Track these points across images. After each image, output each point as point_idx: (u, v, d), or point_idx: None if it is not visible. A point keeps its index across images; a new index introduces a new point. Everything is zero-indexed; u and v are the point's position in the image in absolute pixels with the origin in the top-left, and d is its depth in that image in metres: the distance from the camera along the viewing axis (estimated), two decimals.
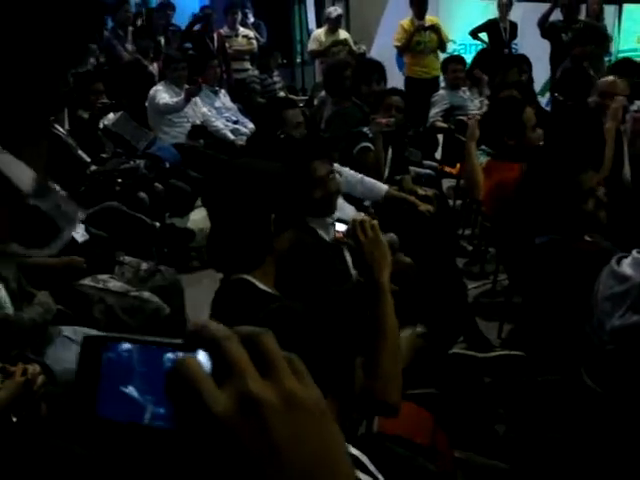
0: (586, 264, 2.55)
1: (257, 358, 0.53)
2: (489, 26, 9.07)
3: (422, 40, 8.09)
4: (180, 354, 0.55)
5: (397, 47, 8.34)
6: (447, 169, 6.24)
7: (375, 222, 2.17)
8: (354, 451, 1.53)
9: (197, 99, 6.82)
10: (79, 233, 3.99)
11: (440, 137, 6.83)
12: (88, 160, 5.08)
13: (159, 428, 0.55)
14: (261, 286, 2.03)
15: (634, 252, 2.15)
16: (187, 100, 6.46)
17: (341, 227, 2.72)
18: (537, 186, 2.97)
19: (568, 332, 2.51)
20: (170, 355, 0.56)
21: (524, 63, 6.68)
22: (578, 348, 2.36)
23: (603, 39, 8.20)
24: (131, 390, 0.56)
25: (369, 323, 1.96)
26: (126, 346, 0.58)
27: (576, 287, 2.51)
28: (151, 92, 6.67)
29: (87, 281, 3.54)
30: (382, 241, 2.11)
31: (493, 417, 3.04)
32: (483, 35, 9.14)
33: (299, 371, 0.54)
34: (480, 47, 8.93)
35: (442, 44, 8.19)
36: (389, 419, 2.04)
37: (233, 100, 7.78)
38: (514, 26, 9.09)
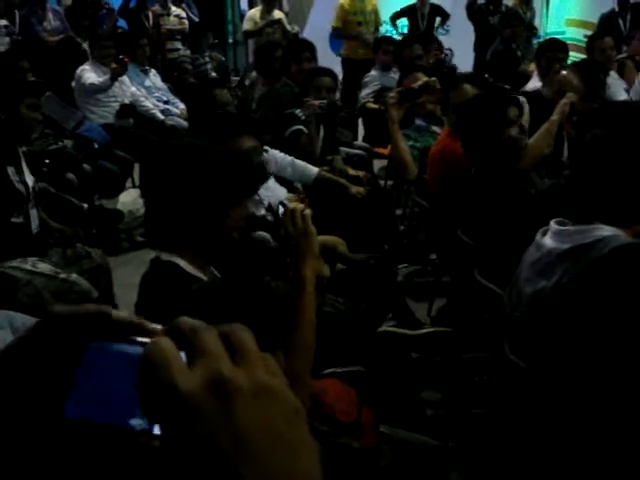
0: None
1: (232, 349, 0.52)
2: (407, 11, 9.12)
3: (363, 21, 8.11)
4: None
5: (335, 28, 8.33)
6: (378, 150, 6.27)
7: (308, 212, 2.10)
8: None
9: (125, 78, 6.71)
10: (36, 223, 3.94)
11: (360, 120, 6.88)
12: None
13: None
14: (188, 269, 1.99)
15: (552, 223, 2.20)
16: (113, 79, 6.35)
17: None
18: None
19: (494, 306, 2.57)
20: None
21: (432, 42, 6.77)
22: (502, 322, 2.41)
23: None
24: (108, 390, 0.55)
25: (286, 313, 1.95)
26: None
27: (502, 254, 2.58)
28: (77, 71, 6.53)
29: (15, 263, 3.47)
30: (311, 232, 2.05)
31: (420, 395, 3.09)
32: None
33: (274, 370, 0.53)
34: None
35: (377, 26, 8.24)
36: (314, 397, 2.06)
37: (164, 80, 7.69)
38: (438, 10, 9.12)
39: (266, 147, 3.57)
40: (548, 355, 2.10)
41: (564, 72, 4.55)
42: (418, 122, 4.89)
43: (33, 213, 3.94)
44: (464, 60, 8.70)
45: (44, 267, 3.51)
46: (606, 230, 2.09)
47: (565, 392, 2.07)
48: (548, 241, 2.20)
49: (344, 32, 8.27)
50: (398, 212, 5.70)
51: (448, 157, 3.72)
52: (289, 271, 2.03)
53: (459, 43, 9.12)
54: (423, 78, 4.81)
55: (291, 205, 2.18)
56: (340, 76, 7.05)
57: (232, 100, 4.01)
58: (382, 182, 5.86)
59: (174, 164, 2.03)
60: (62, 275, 3.49)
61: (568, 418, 2.10)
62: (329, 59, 8.14)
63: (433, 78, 4.58)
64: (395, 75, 6.79)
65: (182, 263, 2.01)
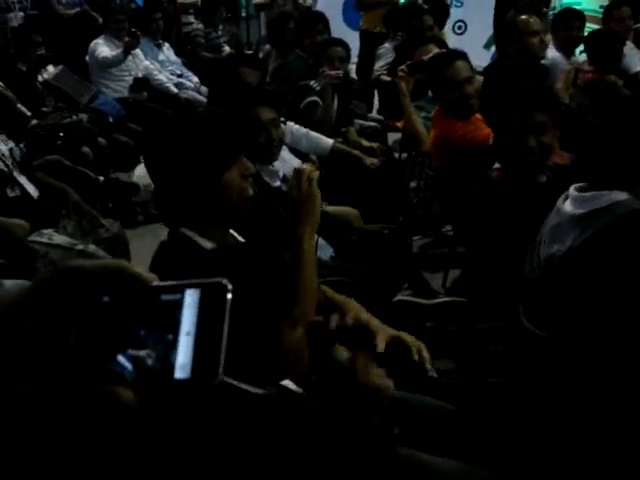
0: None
1: None
2: None
3: None
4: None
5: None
6: (392, 123, 6.24)
7: (315, 174, 2.10)
8: (297, 389, 1.57)
9: (139, 52, 6.70)
10: (32, 188, 3.93)
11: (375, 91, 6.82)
12: (28, 114, 4.98)
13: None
14: (200, 241, 1.99)
15: (571, 188, 2.22)
16: (126, 53, 6.35)
17: None
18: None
19: (509, 273, 2.57)
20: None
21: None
22: (517, 289, 2.42)
23: None
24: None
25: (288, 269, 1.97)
26: None
27: (514, 223, 2.58)
28: (91, 45, 6.54)
29: (32, 237, 3.50)
30: (315, 196, 2.05)
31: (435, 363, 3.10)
32: None
33: None
34: None
35: None
36: None
37: (178, 54, 7.67)
38: None
39: (282, 119, 3.58)
40: (559, 319, 2.12)
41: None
42: (431, 93, 4.88)
43: (23, 179, 3.91)
44: (479, 34, 8.62)
45: (60, 239, 3.54)
46: (619, 196, 2.10)
47: (578, 358, 2.08)
48: (567, 206, 2.21)
49: (366, 2, 8.17)
50: (412, 184, 5.69)
51: (450, 142, 3.72)
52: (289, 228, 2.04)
53: (474, 16, 9.03)
54: (434, 50, 4.78)
55: (301, 166, 2.19)
56: (357, 49, 7.00)
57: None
58: (396, 155, 5.84)
59: (161, 136, 2.01)
60: (79, 246, 3.51)
61: (582, 385, 2.11)
62: (343, 32, 8.08)
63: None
64: None
65: (193, 235, 1.99)
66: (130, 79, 6.59)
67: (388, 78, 6.50)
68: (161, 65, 7.09)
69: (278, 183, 3.22)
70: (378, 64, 6.61)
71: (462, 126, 3.64)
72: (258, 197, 2.30)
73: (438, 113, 4.02)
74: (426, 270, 4.15)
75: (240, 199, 1.98)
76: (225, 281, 0.59)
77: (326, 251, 3.26)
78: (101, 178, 4.92)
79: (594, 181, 2.23)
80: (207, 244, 1.99)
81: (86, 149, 5.11)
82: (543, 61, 5.17)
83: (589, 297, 2.01)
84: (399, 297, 3.29)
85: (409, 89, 4.34)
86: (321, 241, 3.24)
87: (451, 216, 4.19)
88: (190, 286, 0.59)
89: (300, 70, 5.09)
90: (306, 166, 2.28)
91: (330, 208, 3.50)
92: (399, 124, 6.14)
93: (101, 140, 5.41)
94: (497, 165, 2.93)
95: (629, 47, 5.69)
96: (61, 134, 4.95)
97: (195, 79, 7.09)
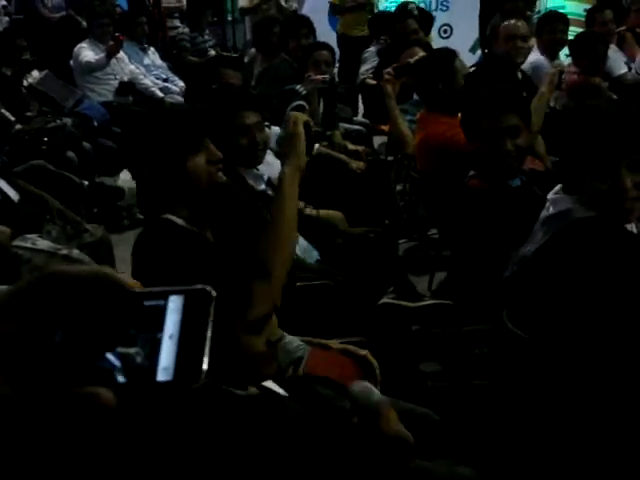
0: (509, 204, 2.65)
1: None
2: None
3: None
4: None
5: (332, 3, 8.25)
6: (378, 127, 6.25)
7: (303, 117, 2.23)
8: (280, 390, 1.56)
9: (124, 56, 6.69)
10: (12, 192, 3.89)
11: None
12: (12, 119, 4.96)
13: None
14: (182, 223, 2.07)
15: (550, 192, 2.26)
16: (109, 57, 6.34)
17: None
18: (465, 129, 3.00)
19: (491, 276, 2.58)
20: None
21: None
22: (500, 292, 2.43)
23: None
24: None
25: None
26: None
27: (500, 226, 2.59)
28: (75, 50, 6.51)
29: (16, 242, 3.48)
30: (299, 136, 2.14)
31: (420, 366, 3.11)
32: None
33: None
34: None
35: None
36: (315, 365, 2.08)
37: (163, 58, 7.66)
38: None
39: (266, 123, 3.58)
40: (530, 318, 2.16)
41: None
42: (416, 97, 4.88)
43: (2, 183, 3.88)
44: (464, 38, 8.65)
45: (44, 244, 3.52)
46: (575, 201, 2.16)
47: (550, 356, 2.11)
48: (545, 209, 2.25)
49: (341, 6, 8.20)
50: (398, 188, 5.70)
51: (436, 143, 3.73)
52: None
53: (459, 20, 9.06)
54: (420, 53, 4.79)
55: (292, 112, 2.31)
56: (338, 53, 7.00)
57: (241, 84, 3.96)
58: (382, 158, 5.85)
59: (135, 131, 2.30)
60: (63, 251, 3.49)
61: (562, 385, 2.12)
62: (328, 36, 8.09)
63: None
64: None
65: (176, 219, 2.08)
66: (115, 83, 6.57)
67: (373, 82, 6.51)
68: (146, 69, 7.07)
69: (263, 186, 3.21)
70: (363, 67, 6.60)
71: (448, 127, 3.64)
72: (233, 189, 2.41)
73: (423, 115, 4.03)
74: (412, 273, 4.16)
75: (209, 183, 2.14)
76: (209, 288, 0.60)
77: (311, 254, 3.26)
78: (86, 182, 4.90)
79: (563, 184, 2.27)
80: (194, 229, 2.09)
81: (71, 154, 5.09)
82: (526, 65, 5.20)
83: (546, 298, 2.08)
84: (384, 300, 3.30)
85: (395, 92, 4.34)
86: (306, 244, 3.24)
87: (436, 219, 4.20)
88: (174, 292, 0.60)
89: (285, 73, 5.09)
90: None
91: (315, 211, 3.50)
92: (385, 127, 6.15)
93: (86, 144, 5.39)
94: (472, 173, 2.93)
95: (612, 50, 5.73)
96: (45, 139, 4.93)
97: (181, 83, 7.08)
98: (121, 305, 0.59)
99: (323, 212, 3.57)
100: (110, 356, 0.57)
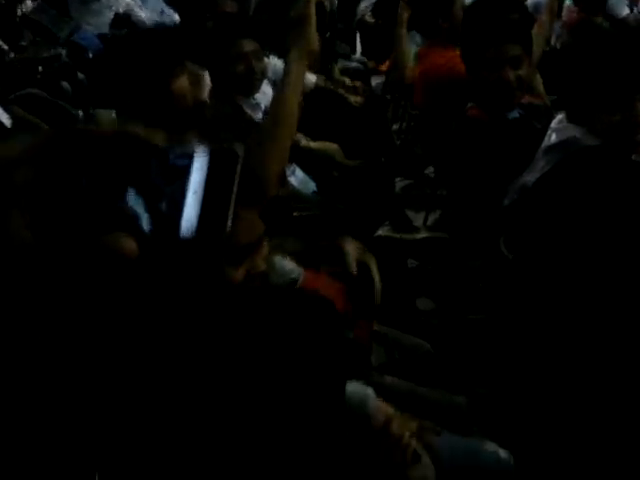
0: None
1: None
2: None
3: None
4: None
5: None
6: (376, 65, 6.18)
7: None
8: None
9: None
10: (5, 116, 3.85)
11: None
12: (6, 47, 4.89)
13: None
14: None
15: (554, 121, 2.24)
16: None
17: None
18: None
19: (488, 208, 2.58)
20: None
21: None
22: (496, 223, 2.43)
23: None
24: None
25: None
26: None
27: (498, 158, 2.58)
28: None
29: None
30: (310, 17, 2.20)
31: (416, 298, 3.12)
32: None
33: None
34: None
35: None
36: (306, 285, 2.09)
37: None
38: None
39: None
40: (526, 247, 2.16)
41: None
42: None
43: None
44: None
45: None
46: (578, 131, 2.14)
47: (546, 286, 2.12)
48: (547, 137, 2.23)
49: None
50: (395, 127, 5.66)
51: (437, 75, 3.69)
52: None
53: None
54: None
55: None
56: None
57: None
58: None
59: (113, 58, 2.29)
60: None
61: (554, 316, 2.14)
62: None
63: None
64: None
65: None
66: (111, 15, 6.46)
67: (372, 20, 6.42)
68: (142, 1, 6.95)
69: (260, 115, 3.19)
70: (362, 4, 6.53)
71: (448, 60, 3.60)
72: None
73: (423, 50, 3.98)
74: (408, 210, 4.15)
75: (195, 103, 2.16)
76: (237, 146, 0.60)
77: (308, 186, 3.26)
78: (80, 113, 4.85)
79: (568, 114, 2.25)
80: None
81: (65, 84, 5.02)
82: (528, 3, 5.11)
83: (547, 225, 2.07)
84: (380, 232, 3.30)
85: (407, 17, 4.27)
86: (303, 175, 3.24)
87: (433, 158, 4.18)
88: (200, 151, 0.60)
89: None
90: None
91: (312, 143, 3.49)
92: (383, 67, 6.09)
93: (80, 75, 5.31)
94: (471, 104, 2.90)
95: None
96: (40, 68, 4.85)
97: (176, 17, 6.96)
98: (144, 154, 0.59)
99: (320, 144, 3.56)
100: (136, 204, 0.57)
